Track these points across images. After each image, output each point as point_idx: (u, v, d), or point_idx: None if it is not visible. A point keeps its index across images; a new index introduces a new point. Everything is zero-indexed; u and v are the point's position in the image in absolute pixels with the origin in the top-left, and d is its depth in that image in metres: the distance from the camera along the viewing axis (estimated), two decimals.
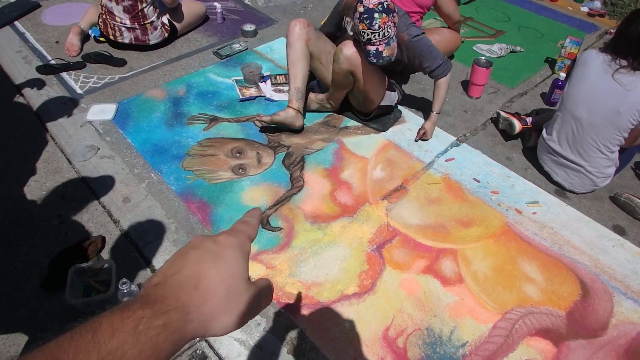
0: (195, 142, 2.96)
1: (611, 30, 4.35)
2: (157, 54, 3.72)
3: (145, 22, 3.57)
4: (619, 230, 2.60)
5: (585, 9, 4.93)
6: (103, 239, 2.31)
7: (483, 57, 3.53)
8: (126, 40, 3.62)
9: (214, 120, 3.13)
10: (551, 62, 3.99)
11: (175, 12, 3.81)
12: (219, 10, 4.10)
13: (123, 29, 3.57)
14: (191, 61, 3.66)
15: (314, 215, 2.58)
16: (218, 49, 3.75)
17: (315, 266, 2.31)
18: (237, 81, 3.44)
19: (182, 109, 3.21)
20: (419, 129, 3.10)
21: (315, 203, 2.65)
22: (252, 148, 2.95)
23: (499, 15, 4.48)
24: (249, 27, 3.98)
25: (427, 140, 3.10)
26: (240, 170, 2.80)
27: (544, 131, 2.89)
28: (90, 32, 3.76)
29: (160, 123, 3.10)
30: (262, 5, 4.47)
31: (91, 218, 2.45)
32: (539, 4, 4.92)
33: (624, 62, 2.47)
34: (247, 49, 3.82)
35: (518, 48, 4.11)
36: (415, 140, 3.10)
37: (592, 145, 2.62)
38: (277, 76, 3.49)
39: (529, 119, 3.13)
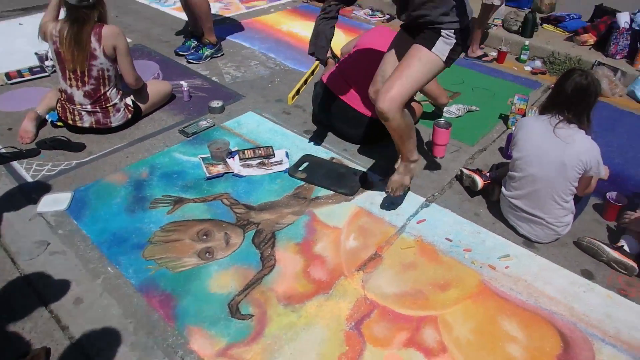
0: (158, 227, 2.47)
1: (552, 85, 4.15)
2: (120, 135, 3.23)
3: (108, 105, 3.10)
4: (588, 275, 2.43)
5: (528, 68, 4.73)
6: (47, 352, 1.76)
7: (442, 119, 3.27)
8: (86, 124, 3.12)
9: (178, 202, 2.65)
10: (504, 118, 3.74)
11: (140, 92, 3.35)
12: (185, 89, 3.67)
13: (83, 113, 3.08)
14: (156, 141, 3.18)
15: (287, 296, 2.15)
16: (184, 127, 3.30)
17: (291, 355, 1.89)
18: (203, 159, 2.98)
19: (145, 193, 2.72)
20: None
21: (288, 282, 2.21)
22: (219, 229, 2.47)
23: (454, 78, 4.21)
24: (216, 104, 3.56)
25: None
26: (207, 255, 2.31)
27: (503, 188, 2.71)
28: (47, 116, 3.23)
29: (120, 210, 2.59)
30: (229, 81, 4.08)
31: (35, 327, 1.90)
32: (488, 67, 4.69)
33: (561, 117, 2.44)
34: (214, 125, 3.38)
35: (474, 107, 3.84)
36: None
37: (547, 198, 2.50)
38: (245, 151, 3.05)
39: (489, 174, 2.91)
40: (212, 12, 4.41)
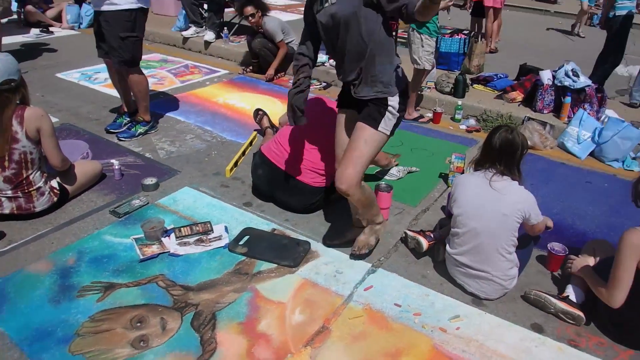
0: (87, 317, 2.33)
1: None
2: (44, 221, 3.09)
3: (31, 189, 2.99)
4: (538, 328, 2.48)
5: (463, 127, 5.00)
6: None
7: (383, 182, 3.37)
8: (6, 211, 2.98)
9: (109, 288, 2.52)
10: (444, 177, 3.89)
11: (67, 174, 3.25)
12: (116, 167, 3.60)
13: (3, 199, 2.95)
14: (84, 224, 3.07)
15: None
16: (115, 207, 3.20)
17: None
18: (137, 240, 2.89)
19: (72, 281, 2.58)
20: None
21: None
22: (155, 314, 2.37)
23: (393, 141, 4.30)
24: (150, 181, 3.50)
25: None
26: (142, 343, 2.20)
27: (447, 246, 2.77)
28: None
29: (43, 301, 2.44)
30: (163, 156, 4.04)
31: None
32: (425, 127, 4.91)
33: (494, 171, 2.60)
34: (147, 203, 3.31)
35: (414, 168, 3.97)
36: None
37: (492, 251, 2.58)
38: (182, 228, 2.99)
39: (433, 235, 2.98)
40: None
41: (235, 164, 3.89)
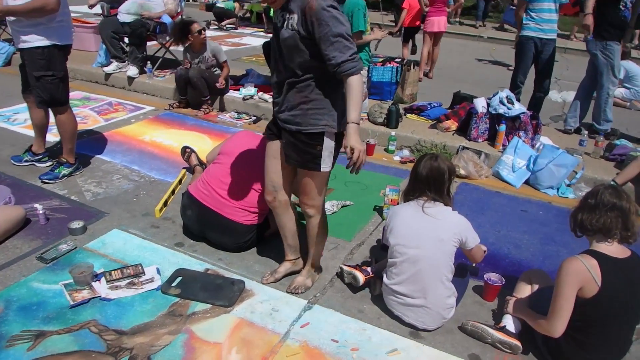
0: None
1: None
2: None
3: None
4: (475, 359, 2.71)
5: (397, 158, 5.36)
6: None
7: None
8: None
9: (40, 336, 2.68)
10: (379, 210, 4.19)
11: None
12: (40, 212, 3.75)
13: None
14: (10, 272, 3.20)
15: None
16: (42, 254, 3.36)
17: None
18: (66, 285, 3.06)
19: (0, 330, 2.72)
20: (344, 147, 2.58)
21: None
22: None
23: None
24: (77, 224, 3.67)
25: (363, 163, 2.59)
26: None
27: (384, 278, 2.98)
28: None
29: None
30: (90, 199, 4.20)
31: None
32: None
33: (425, 198, 2.86)
34: (75, 247, 3.47)
35: (348, 202, 4.26)
36: (350, 170, 2.58)
37: (431, 278, 2.79)
38: (112, 272, 3.18)
39: (369, 269, 3.20)
40: None
41: (165, 204, 4.07)
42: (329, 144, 2.76)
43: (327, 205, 4.06)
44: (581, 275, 2.42)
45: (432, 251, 2.77)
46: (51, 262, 3.31)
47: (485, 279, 3.18)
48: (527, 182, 4.92)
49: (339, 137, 2.75)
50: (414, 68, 6.80)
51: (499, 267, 3.46)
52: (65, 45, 4.12)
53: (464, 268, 3.20)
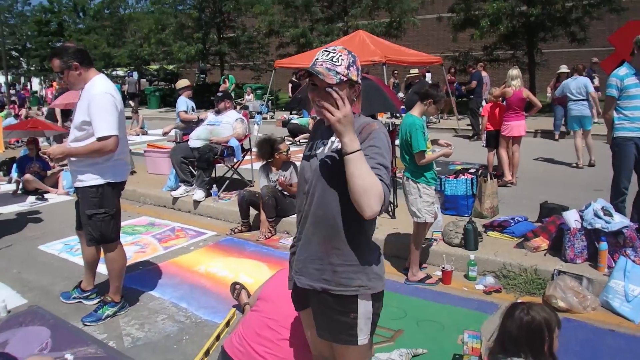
0: None
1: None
2: None
3: None
4: None
5: (480, 287, 4.35)
6: None
7: None
8: None
9: None
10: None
11: None
12: None
13: None
14: None
15: None
16: None
17: None
18: None
19: None
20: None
21: None
22: None
23: (394, 312, 3.78)
24: None
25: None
26: None
27: None
28: None
29: None
30: (128, 345, 3.64)
31: None
32: (434, 291, 4.28)
33: None
34: None
35: (420, 350, 3.35)
36: None
37: None
38: None
39: None
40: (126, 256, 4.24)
41: (207, 354, 3.41)
42: (368, 319, 2.13)
43: (395, 355, 3.25)
44: None
45: None
46: None
47: None
48: None
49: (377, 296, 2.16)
50: (491, 179, 5.99)
51: None
52: (119, 183, 3.98)
53: None
